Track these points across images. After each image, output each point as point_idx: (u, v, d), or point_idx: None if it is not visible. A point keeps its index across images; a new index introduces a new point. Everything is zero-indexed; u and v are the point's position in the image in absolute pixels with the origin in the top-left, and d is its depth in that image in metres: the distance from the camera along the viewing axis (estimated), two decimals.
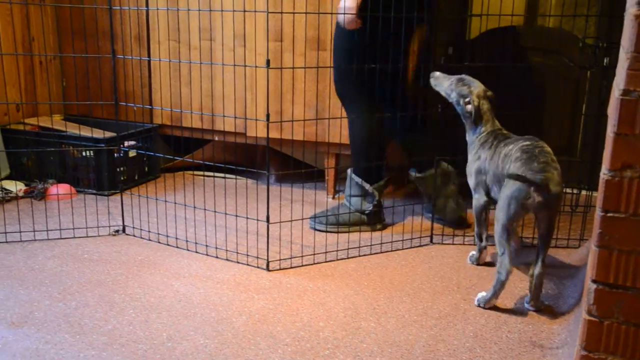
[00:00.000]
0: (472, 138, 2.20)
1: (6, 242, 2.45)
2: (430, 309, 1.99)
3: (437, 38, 3.37)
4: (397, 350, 1.74)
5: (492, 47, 3.24)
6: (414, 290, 2.13)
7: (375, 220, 2.67)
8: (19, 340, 1.74)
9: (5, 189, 3.00)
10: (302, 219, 2.62)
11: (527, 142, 1.97)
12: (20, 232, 2.53)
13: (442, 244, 2.55)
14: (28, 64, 3.40)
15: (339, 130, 2.94)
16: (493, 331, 1.85)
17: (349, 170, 2.67)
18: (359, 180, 2.62)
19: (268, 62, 1.98)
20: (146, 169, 3.36)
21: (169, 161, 3.50)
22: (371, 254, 2.44)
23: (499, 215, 1.91)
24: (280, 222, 2.33)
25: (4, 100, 3.24)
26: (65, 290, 2.07)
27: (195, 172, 3.52)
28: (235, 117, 2.69)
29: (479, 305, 2.00)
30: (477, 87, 2.20)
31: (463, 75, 2.24)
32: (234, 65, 2.16)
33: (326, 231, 2.61)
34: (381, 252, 2.45)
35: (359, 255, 2.42)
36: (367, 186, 2.62)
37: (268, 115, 2.06)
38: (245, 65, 2.03)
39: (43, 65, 3.49)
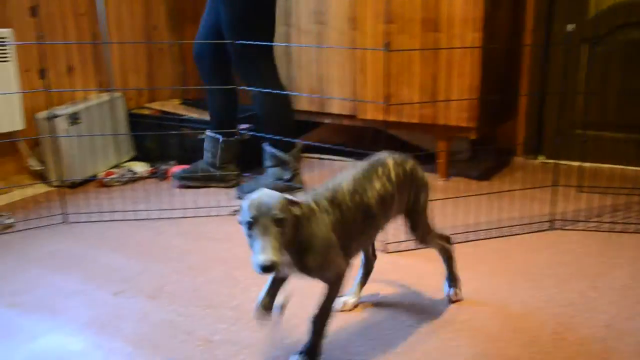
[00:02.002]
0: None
1: (136, 219, 2.60)
2: (555, 296, 1.93)
3: (555, 13, 3.23)
4: (523, 336, 1.70)
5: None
6: (536, 276, 2.07)
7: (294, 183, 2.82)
8: (156, 312, 1.85)
9: (132, 170, 3.17)
10: None
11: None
12: (147, 210, 2.68)
13: (564, 229, 2.46)
14: (149, 51, 3.57)
15: (451, 113, 2.88)
16: (626, 322, 1.77)
17: (264, 145, 2.80)
18: (274, 150, 2.76)
19: (387, 45, 1.97)
20: (259, 151, 3.44)
21: None
22: (489, 238, 2.39)
23: (427, 217, 1.82)
24: None
25: (129, 86, 3.42)
26: (192, 266, 2.17)
27: (305, 154, 3.58)
28: (354, 100, 2.70)
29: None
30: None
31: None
32: (352, 48, 2.17)
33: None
34: (500, 237, 2.40)
35: (477, 239, 2.38)
36: (283, 155, 2.74)
37: (387, 98, 2.06)
38: (364, 48, 2.03)
39: (163, 52, 3.65)
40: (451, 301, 1.90)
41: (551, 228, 2.47)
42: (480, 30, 2.77)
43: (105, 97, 3.21)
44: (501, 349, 1.65)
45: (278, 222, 1.34)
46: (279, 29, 3.31)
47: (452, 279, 1.91)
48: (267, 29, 2.69)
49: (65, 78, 3.10)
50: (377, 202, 1.62)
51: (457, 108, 2.85)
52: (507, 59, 3.12)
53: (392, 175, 1.67)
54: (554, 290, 1.97)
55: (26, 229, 2.51)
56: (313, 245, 1.46)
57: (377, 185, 1.63)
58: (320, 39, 3.22)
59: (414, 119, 2.97)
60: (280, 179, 2.79)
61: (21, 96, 2.77)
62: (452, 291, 1.91)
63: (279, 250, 1.34)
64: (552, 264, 2.16)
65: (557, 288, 1.98)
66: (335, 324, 1.76)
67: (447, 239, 1.90)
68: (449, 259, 1.90)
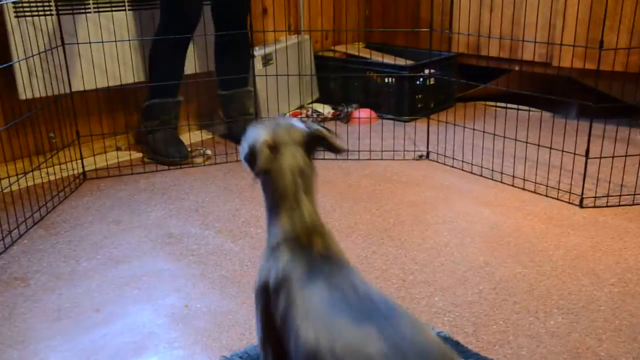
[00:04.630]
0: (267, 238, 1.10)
1: (324, 158, 2.69)
2: None
3: None
4: None
5: None
6: None
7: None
8: (350, 248, 1.92)
9: (317, 111, 3.27)
10: (626, 156, 2.38)
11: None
12: None
13: None
14: None
15: None
16: None
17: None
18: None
19: None
20: (441, 97, 3.39)
21: (463, 90, 3.49)
22: None
23: None
24: (601, 157, 2.19)
25: (316, 29, 3.50)
26: (381, 207, 2.21)
27: (488, 103, 3.46)
28: (561, 45, 2.54)
29: None
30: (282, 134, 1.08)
31: (276, 118, 1.22)
32: None
33: None
34: None
35: None
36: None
37: (602, 42, 1.91)
38: None
39: None
40: None
41: None
42: None
43: (294, 39, 3.31)
44: None
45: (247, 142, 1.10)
46: None
47: None
48: None
49: (260, 20, 3.24)
50: None
51: None
52: None
53: None
54: None
55: (223, 162, 2.69)
56: None
57: None
58: None
59: (625, 68, 2.73)
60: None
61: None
62: None
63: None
64: None
65: None
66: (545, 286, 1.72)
67: None
68: None
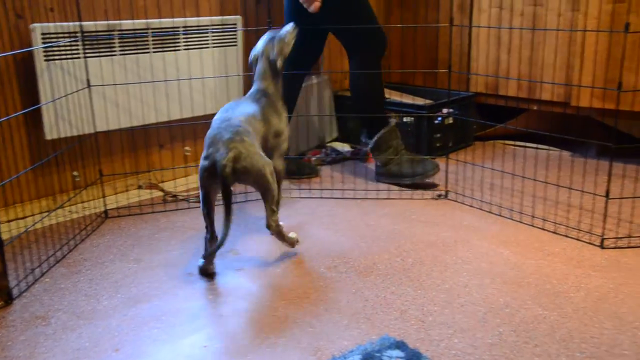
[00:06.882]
0: None
1: (343, 198, 2.71)
2: None
3: None
4: None
5: None
6: None
7: None
8: (369, 288, 1.91)
9: (336, 150, 3.30)
10: None
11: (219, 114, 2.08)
12: (354, 190, 2.77)
13: None
14: None
15: None
16: None
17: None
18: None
19: (627, 25, 1.84)
20: (460, 136, 3.41)
21: (481, 129, 3.50)
22: None
23: None
24: (621, 197, 2.17)
25: (335, 69, 3.55)
26: (400, 247, 2.21)
27: (507, 142, 3.47)
28: (580, 86, 2.56)
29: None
30: (261, 45, 2.27)
31: (270, 33, 2.30)
32: (583, 30, 2.05)
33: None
34: None
35: None
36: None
37: (620, 84, 1.92)
38: (598, 31, 1.90)
39: None
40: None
41: None
42: None
43: (314, 79, 3.36)
44: None
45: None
46: (492, 11, 3.24)
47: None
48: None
49: None
50: None
51: None
52: None
53: None
54: None
55: (247, 201, 2.72)
56: None
57: None
58: (535, 22, 3.09)
59: (636, 107, 2.74)
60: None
61: (243, 78, 3.00)
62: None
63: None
64: None
65: None
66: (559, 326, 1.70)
67: None
68: None
